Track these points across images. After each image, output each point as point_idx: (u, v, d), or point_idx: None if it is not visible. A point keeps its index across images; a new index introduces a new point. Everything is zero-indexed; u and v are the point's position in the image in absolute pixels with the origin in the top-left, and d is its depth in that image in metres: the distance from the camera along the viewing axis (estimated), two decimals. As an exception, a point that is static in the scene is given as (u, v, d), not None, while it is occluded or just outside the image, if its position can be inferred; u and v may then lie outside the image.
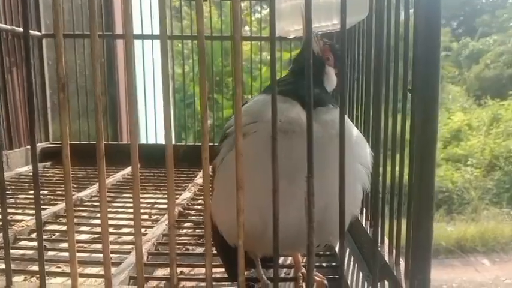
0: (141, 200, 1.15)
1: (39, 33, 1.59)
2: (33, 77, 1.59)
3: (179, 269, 0.80)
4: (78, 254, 0.85)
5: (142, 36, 1.67)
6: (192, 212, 1.07)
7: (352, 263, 0.71)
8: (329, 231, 0.54)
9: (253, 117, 0.56)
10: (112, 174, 1.36)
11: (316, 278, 0.63)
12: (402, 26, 0.55)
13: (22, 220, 0.96)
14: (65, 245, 0.89)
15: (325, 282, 0.63)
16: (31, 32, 1.55)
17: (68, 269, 0.77)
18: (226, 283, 0.70)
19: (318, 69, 0.62)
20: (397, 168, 0.57)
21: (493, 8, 10.58)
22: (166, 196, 1.21)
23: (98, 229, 0.96)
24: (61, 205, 1.06)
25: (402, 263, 0.55)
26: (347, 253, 0.74)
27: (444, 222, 6.04)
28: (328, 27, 0.74)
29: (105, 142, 1.50)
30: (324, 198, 0.50)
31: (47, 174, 1.43)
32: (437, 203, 6.44)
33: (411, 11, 0.53)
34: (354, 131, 0.59)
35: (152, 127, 1.67)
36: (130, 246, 0.85)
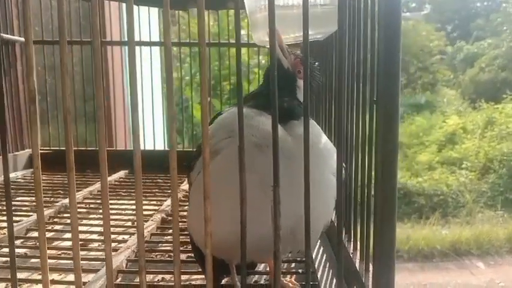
0: (126, 206, 1.16)
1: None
2: (22, 84, 1.60)
3: (160, 276, 0.81)
4: (61, 261, 0.86)
5: (139, 43, 1.68)
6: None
7: (327, 269, 0.72)
8: (302, 239, 0.55)
9: (227, 132, 0.57)
10: (99, 180, 1.36)
11: (290, 284, 0.64)
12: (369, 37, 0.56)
13: (5, 227, 0.96)
14: (48, 252, 0.89)
15: (299, 288, 0.64)
16: (18, 38, 1.56)
17: (51, 276, 0.78)
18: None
19: (290, 83, 0.62)
20: (366, 177, 0.58)
21: (487, 12, 10.65)
22: (151, 202, 1.21)
23: (82, 236, 0.96)
24: (45, 212, 1.07)
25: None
26: (323, 259, 0.75)
27: (439, 225, 6.06)
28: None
29: (94, 148, 1.50)
30: (298, 208, 0.51)
31: (34, 181, 1.42)
32: (432, 206, 6.46)
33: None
34: (323, 140, 0.60)
35: (140, 133, 1.67)
36: (112, 253, 0.86)
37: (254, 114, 0.58)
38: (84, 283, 0.69)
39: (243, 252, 0.48)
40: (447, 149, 7.64)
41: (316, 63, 1.04)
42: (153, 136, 1.64)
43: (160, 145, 1.74)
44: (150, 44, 1.73)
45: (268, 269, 0.77)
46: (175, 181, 0.48)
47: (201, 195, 0.51)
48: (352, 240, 0.64)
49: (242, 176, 0.48)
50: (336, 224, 0.75)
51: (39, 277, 0.80)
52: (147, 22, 1.69)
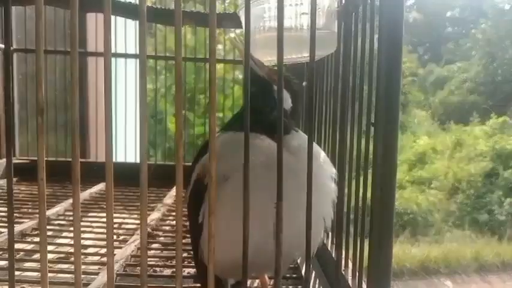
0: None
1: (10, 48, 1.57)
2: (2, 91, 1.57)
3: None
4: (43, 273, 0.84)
5: (115, 55, 1.68)
6: (160, 233, 1.07)
7: (316, 285, 0.73)
8: (302, 253, 0.56)
9: (232, 156, 0.58)
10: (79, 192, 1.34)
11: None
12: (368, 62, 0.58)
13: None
14: (29, 264, 0.88)
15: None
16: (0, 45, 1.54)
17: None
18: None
19: (268, 91, 0.64)
20: (361, 195, 0.60)
21: (457, 37, 11.03)
22: (134, 216, 1.20)
23: (63, 249, 0.95)
24: (27, 223, 1.04)
25: (365, 286, 0.58)
26: (312, 275, 0.76)
27: (409, 243, 6.16)
28: (298, 59, 0.77)
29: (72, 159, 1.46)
30: (303, 219, 0.52)
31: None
32: (402, 224, 6.57)
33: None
34: (321, 152, 0.62)
35: (122, 145, 1.66)
36: (97, 267, 0.85)
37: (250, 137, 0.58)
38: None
39: (245, 267, 0.49)
40: (417, 169, 7.81)
41: (304, 83, 1.06)
42: (135, 149, 1.63)
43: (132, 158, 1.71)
44: (126, 56, 1.73)
45: (256, 284, 0.78)
46: (180, 194, 0.49)
47: (222, 225, 0.52)
48: (343, 257, 0.65)
49: (246, 195, 0.49)
50: (330, 246, 0.77)
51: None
52: (123, 34, 1.69)
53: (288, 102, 0.67)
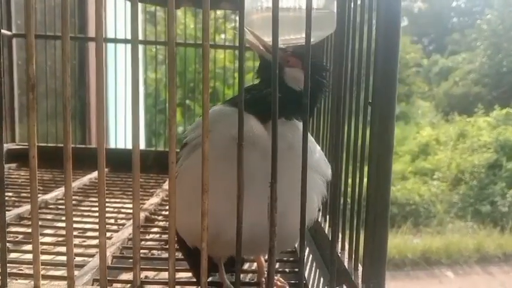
0: (107, 204, 1.15)
1: (10, 33, 1.56)
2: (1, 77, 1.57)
3: (144, 273, 0.80)
4: (41, 257, 0.84)
5: (116, 40, 1.67)
6: (159, 218, 1.07)
7: (314, 269, 0.73)
8: (285, 237, 0.55)
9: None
10: (79, 178, 1.34)
11: (278, 283, 0.65)
12: (365, 40, 0.57)
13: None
14: (28, 247, 0.88)
15: (287, 287, 0.65)
16: (1, 30, 1.53)
17: (30, 271, 0.76)
18: (191, 287, 0.70)
19: (280, 77, 0.62)
20: (357, 178, 0.59)
21: (462, 28, 10.94)
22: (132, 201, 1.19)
23: (63, 232, 0.95)
24: (26, 207, 1.05)
25: (361, 268, 0.57)
26: (310, 259, 0.76)
27: (411, 234, 6.16)
28: (298, 40, 0.76)
29: (73, 145, 1.47)
30: (280, 206, 0.51)
31: (12, 176, 1.39)
32: (404, 215, 6.57)
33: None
34: (313, 145, 0.61)
35: (122, 131, 1.65)
36: (95, 250, 0.85)
37: (234, 113, 0.56)
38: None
39: (238, 248, 0.48)
40: (420, 160, 7.79)
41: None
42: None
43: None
44: (126, 41, 1.72)
45: (254, 267, 0.78)
46: (174, 174, 0.48)
47: (185, 189, 0.55)
48: (339, 239, 0.65)
49: (240, 173, 0.48)
50: (327, 230, 0.76)
51: (20, 272, 0.79)
52: (123, 19, 1.67)
53: (296, 77, 0.64)
